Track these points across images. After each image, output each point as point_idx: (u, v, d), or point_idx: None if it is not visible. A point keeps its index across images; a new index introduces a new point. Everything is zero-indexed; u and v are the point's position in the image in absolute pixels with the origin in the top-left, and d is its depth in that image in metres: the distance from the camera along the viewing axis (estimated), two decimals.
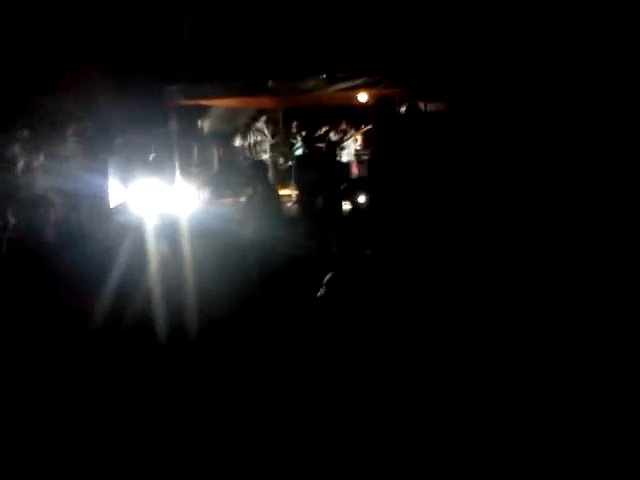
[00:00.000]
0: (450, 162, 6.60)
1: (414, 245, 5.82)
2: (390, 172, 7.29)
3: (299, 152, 9.93)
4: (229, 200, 9.83)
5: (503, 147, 6.72)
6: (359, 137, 10.02)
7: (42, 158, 9.37)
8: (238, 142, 10.62)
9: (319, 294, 5.49)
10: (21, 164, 9.20)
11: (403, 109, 8.47)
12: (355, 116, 10.36)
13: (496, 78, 7.71)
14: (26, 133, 9.92)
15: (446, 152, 6.80)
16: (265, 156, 10.06)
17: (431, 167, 6.94)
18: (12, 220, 8.38)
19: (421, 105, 8.25)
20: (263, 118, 10.66)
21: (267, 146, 10.13)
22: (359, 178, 9.26)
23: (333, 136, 10.15)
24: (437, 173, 6.66)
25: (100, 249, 7.47)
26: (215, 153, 10.16)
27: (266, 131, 10.25)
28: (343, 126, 10.25)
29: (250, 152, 10.46)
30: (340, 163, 9.13)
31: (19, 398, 4.45)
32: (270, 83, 9.08)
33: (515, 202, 6.20)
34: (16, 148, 9.51)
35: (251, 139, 10.50)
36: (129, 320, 5.97)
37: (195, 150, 10.30)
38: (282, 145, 10.89)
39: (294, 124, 10.58)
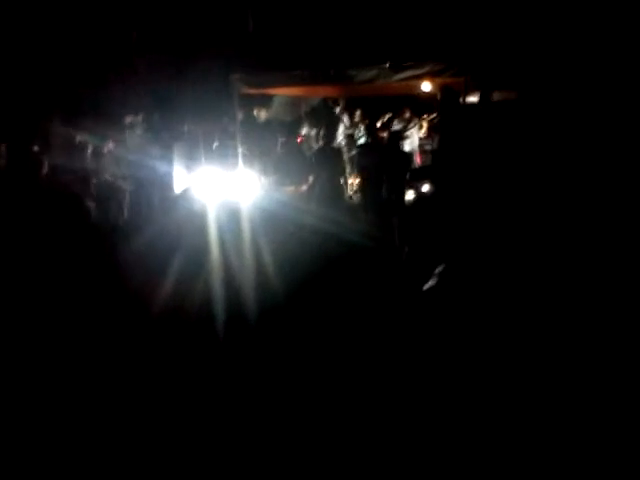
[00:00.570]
0: (521, 154, 6.46)
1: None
2: (456, 162, 7.21)
3: (362, 141, 9.88)
4: (291, 188, 9.88)
5: (579, 140, 6.53)
6: (423, 126, 9.90)
7: (110, 145, 9.62)
8: (304, 130, 10.65)
9: (428, 285, 5.37)
10: (90, 151, 9.44)
11: (473, 98, 8.34)
12: (418, 105, 10.24)
13: (570, 66, 7.48)
14: (94, 121, 10.20)
15: (516, 143, 6.66)
16: (337, 142, 9.95)
17: (500, 158, 6.81)
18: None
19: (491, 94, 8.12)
20: (341, 105, 10.52)
21: (341, 134, 10.03)
22: (423, 167, 9.18)
23: (396, 125, 10.06)
24: (507, 165, 6.54)
25: (165, 235, 7.62)
26: (278, 141, 10.22)
27: (345, 118, 10.12)
28: (406, 115, 10.13)
29: (316, 141, 10.46)
30: (403, 152, 9.05)
31: (78, 377, 4.59)
32: (333, 72, 9.05)
33: (590, 196, 6.03)
34: (85, 135, 9.77)
35: (318, 127, 10.48)
36: (193, 304, 6.08)
37: (258, 138, 10.38)
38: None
39: (357, 113, 10.53)
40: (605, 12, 7.54)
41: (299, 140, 10.64)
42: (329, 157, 8.89)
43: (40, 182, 8.96)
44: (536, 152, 6.58)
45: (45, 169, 9.18)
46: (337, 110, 10.70)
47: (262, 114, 10.68)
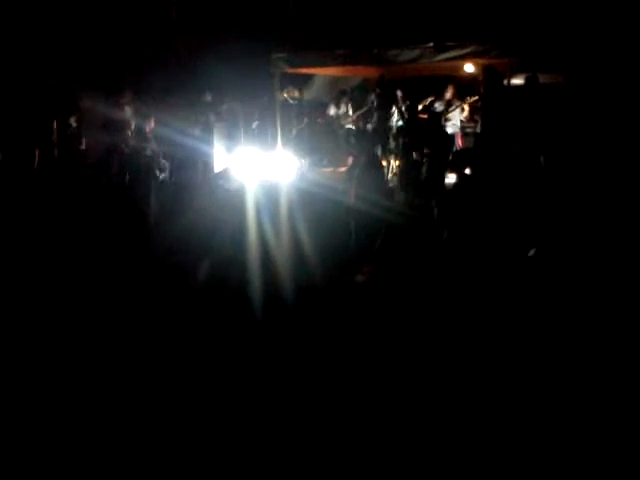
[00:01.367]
0: (568, 141, 6.33)
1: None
2: (501, 146, 7.09)
3: (401, 123, 9.76)
4: (329, 169, 9.85)
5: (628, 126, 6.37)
6: (465, 108, 9.70)
7: (152, 125, 9.70)
8: (332, 111, 10.55)
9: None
10: (132, 130, 9.53)
11: (518, 81, 8.14)
12: (460, 87, 10.05)
13: (623, 50, 7.24)
14: (136, 100, 10.28)
15: (563, 127, 6.52)
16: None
17: (545, 144, 6.68)
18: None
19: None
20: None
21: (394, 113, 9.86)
22: (465, 150, 9.02)
23: (438, 106, 9.90)
24: (551, 150, 6.43)
25: (205, 213, 7.69)
26: (316, 121, 10.19)
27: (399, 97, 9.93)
28: (448, 96, 9.94)
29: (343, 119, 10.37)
30: (445, 133, 8.90)
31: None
32: (375, 51, 8.94)
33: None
34: (128, 114, 9.86)
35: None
36: (232, 281, 6.13)
37: (297, 118, 10.38)
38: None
39: (398, 94, 10.39)
40: None
41: (318, 121, 10.54)
42: (370, 138, 8.82)
43: (78, 157, 9.11)
44: (583, 136, 6.44)
45: (83, 145, 9.31)
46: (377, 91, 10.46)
47: (296, 94, 10.63)
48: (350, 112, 10.45)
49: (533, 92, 7.80)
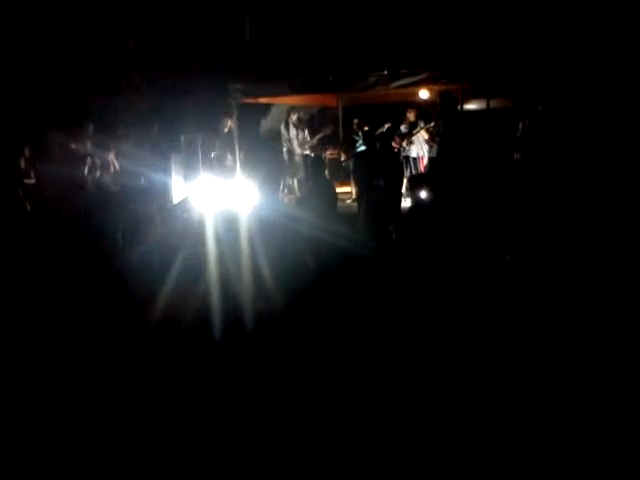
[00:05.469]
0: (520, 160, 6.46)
1: None
2: (456, 169, 7.17)
3: (361, 149, 9.84)
4: (289, 196, 9.87)
5: (579, 148, 6.52)
6: (426, 132, 9.81)
7: (109, 156, 9.63)
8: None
9: None
10: (88, 162, 9.42)
11: (471, 106, 8.31)
12: (418, 113, 10.20)
13: (567, 75, 7.46)
14: (93, 132, 10.19)
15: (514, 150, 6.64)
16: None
17: (499, 164, 6.79)
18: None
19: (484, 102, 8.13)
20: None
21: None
22: (420, 174, 9.12)
23: (403, 129, 10.03)
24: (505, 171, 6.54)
25: (163, 244, 7.60)
26: (276, 150, 10.22)
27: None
28: (412, 118, 10.06)
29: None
30: (396, 158, 8.91)
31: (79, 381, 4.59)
32: (331, 80, 9.04)
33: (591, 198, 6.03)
34: (83, 147, 9.77)
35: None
36: (192, 313, 6.06)
37: (256, 147, 10.41)
38: (343, 142, 10.85)
39: (355, 121, 10.50)
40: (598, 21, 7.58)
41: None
42: (323, 165, 8.84)
43: (25, 191, 8.83)
44: (535, 157, 6.58)
45: (32, 179, 9.09)
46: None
47: (262, 123, 10.68)
48: (308, 137, 10.52)
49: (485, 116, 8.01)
